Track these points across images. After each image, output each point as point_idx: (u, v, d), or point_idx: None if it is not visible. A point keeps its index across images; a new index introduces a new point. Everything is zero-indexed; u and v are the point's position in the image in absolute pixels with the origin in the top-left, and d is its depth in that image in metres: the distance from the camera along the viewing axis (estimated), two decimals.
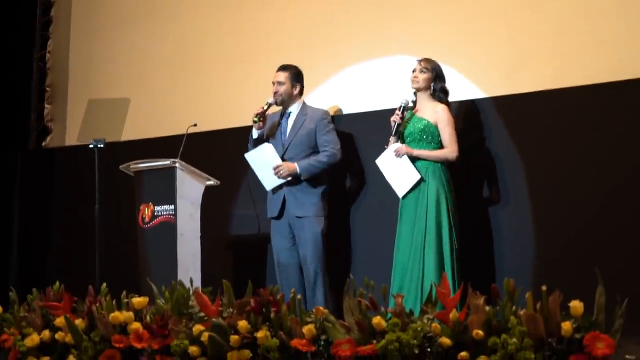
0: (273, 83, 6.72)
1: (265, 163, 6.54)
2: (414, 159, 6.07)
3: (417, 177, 6.01)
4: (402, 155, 6.10)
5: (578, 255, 5.96)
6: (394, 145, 6.15)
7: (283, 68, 6.76)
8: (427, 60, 6.18)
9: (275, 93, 6.68)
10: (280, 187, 6.58)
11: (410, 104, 6.23)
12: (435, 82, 6.14)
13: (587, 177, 6.09)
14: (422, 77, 6.15)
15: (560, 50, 6.38)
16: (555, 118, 6.24)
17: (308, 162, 6.55)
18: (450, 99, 6.32)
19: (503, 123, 6.43)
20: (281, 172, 6.48)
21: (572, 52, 6.32)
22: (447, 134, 6.03)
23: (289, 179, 6.51)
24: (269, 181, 6.57)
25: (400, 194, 6.12)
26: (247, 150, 6.72)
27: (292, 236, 6.62)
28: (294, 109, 6.75)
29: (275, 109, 6.82)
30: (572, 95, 6.17)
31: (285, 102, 6.73)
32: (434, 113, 6.07)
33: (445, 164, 6.05)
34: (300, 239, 6.58)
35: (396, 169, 6.14)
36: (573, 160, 6.16)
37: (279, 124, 6.75)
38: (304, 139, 6.64)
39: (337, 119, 7.10)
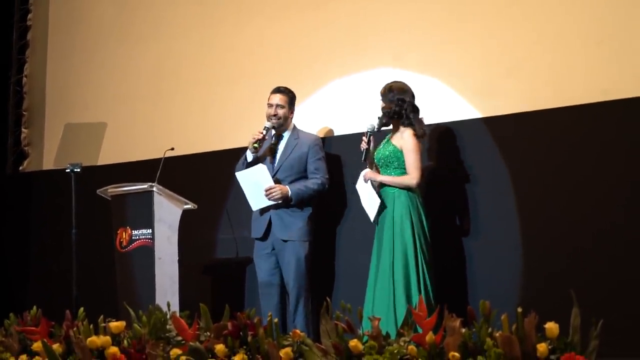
0: (270, 105, 6.68)
1: (256, 183, 6.50)
2: (381, 184, 6.12)
3: (378, 201, 6.07)
4: (367, 180, 6.16)
5: (563, 280, 5.95)
6: (364, 171, 6.21)
7: (281, 91, 6.73)
8: (382, 89, 6.24)
9: (274, 116, 6.65)
10: (267, 208, 6.57)
11: (376, 130, 6.22)
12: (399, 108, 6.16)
13: (574, 195, 6.12)
14: (382, 106, 6.19)
15: (546, 70, 6.40)
16: (546, 139, 6.26)
17: (299, 187, 6.56)
18: (438, 119, 6.49)
19: (489, 144, 6.46)
20: (274, 194, 6.46)
21: (558, 72, 6.35)
22: (409, 159, 6.02)
23: (279, 201, 6.51)
24: (257, 202, 6.54)
25: (371, 219, 6.16)
26: (234, 172, 6.71)
27: (275, 258, 6.61)
28: (287, 132, 6.76)
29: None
30: (563, 116, 6.18)
31: (281, 125, 6.72)
32: (400, 138, 6.10)
33: (413, 188, 6.07)
34: (283, 262, 6.56)
35: (366, 194, 6.18)
36: (562, 181, 6.17)
37: (271, 146, 6.72)
38: (295, 163, 6.65)
39: (325, 141, 7.13)
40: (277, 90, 6.75)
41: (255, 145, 6.51)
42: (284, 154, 6.68)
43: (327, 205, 6.82)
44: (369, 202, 6.14)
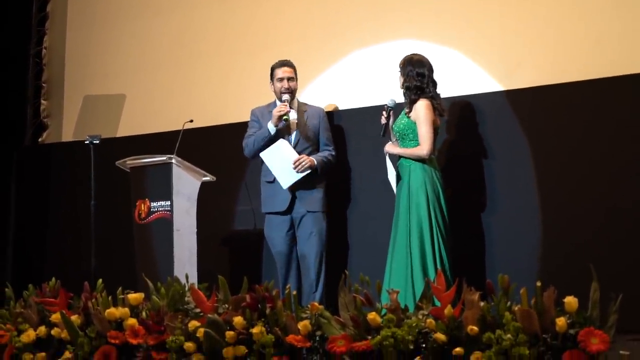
0: (282, 79, 6.65)
1: (281, 159, 6.48)
2: (400, 157, 6.10)
3: (394, 173, 6.09)
4: (386, 153, 6.15)
5: (582, 254, 5.91)
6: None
7: (289, 64, 6.71)
8: (401, 61, 6.18)
9: (288, 89, 6.63)
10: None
11: (394, 104, 6.19)
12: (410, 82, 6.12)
13: (592, 171, 6.11)
14: (401, 80, 6.15)
15: (568, 43, 6.37)
16: (567, 112, 6.23)
17: (321, 157, 6.59)
18: (458, 92, 6.52)
19: (509, 118, 6.45)
20: (303, 164, 6.44)
21: (580, 45, 6.31)
22: (421, 130, 5.97)
23: (308, 172, 6.48)
24: (287, 179, 6.49)
25: (394, 191, 6.14)
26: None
27: (292, 232, 6.62)
28: (294, 104, 6.72)
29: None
30: (585, 89, 6.16)
31: (293, 98, 6.72)
32: (414, 110, 6.06)
33: (429, 160, 6.01)
34: (304, 234, 6.58)
35: (387, 167, 6.17)
36: (582, 155, 6.16)
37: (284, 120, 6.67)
38: (311, 134, 6.66)
39: (335, 115, 7.13)
40: (285, 63, 6.72)
41: (286, 118, 6.48)
42: (299, 126, 6.66)
43: (335, 179, 6.85)
44: (390, 174, 6.14)
